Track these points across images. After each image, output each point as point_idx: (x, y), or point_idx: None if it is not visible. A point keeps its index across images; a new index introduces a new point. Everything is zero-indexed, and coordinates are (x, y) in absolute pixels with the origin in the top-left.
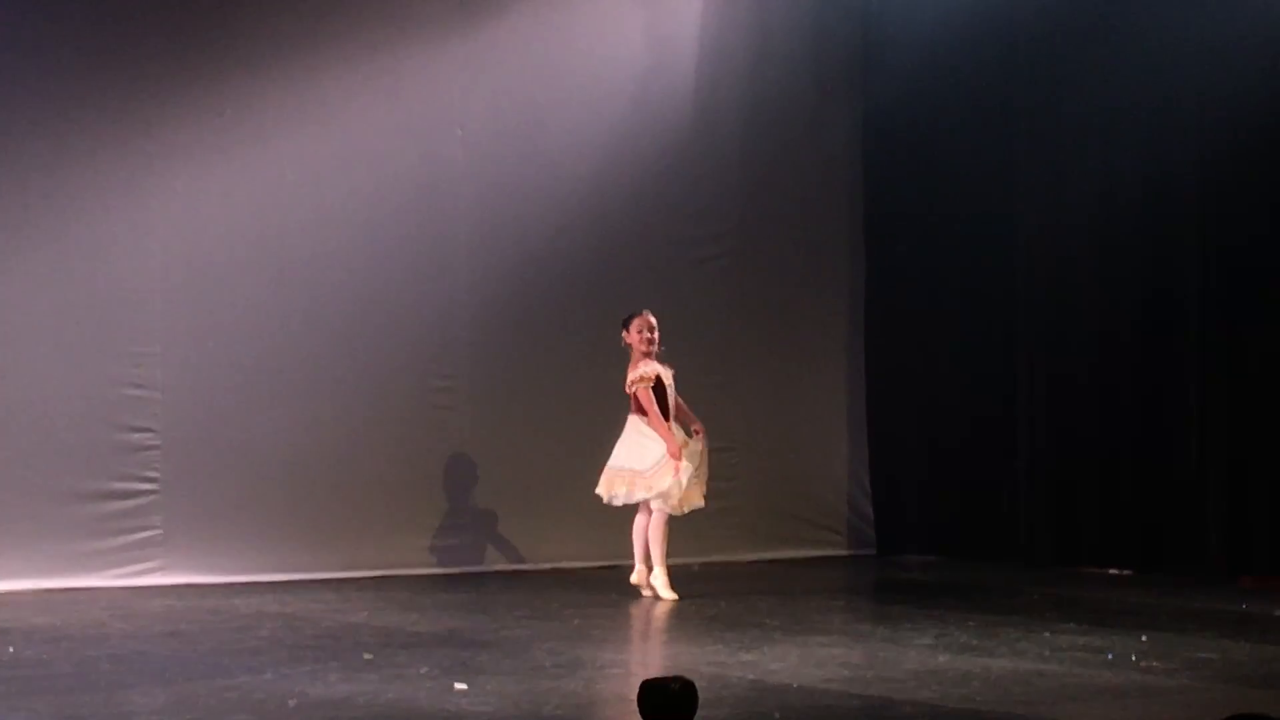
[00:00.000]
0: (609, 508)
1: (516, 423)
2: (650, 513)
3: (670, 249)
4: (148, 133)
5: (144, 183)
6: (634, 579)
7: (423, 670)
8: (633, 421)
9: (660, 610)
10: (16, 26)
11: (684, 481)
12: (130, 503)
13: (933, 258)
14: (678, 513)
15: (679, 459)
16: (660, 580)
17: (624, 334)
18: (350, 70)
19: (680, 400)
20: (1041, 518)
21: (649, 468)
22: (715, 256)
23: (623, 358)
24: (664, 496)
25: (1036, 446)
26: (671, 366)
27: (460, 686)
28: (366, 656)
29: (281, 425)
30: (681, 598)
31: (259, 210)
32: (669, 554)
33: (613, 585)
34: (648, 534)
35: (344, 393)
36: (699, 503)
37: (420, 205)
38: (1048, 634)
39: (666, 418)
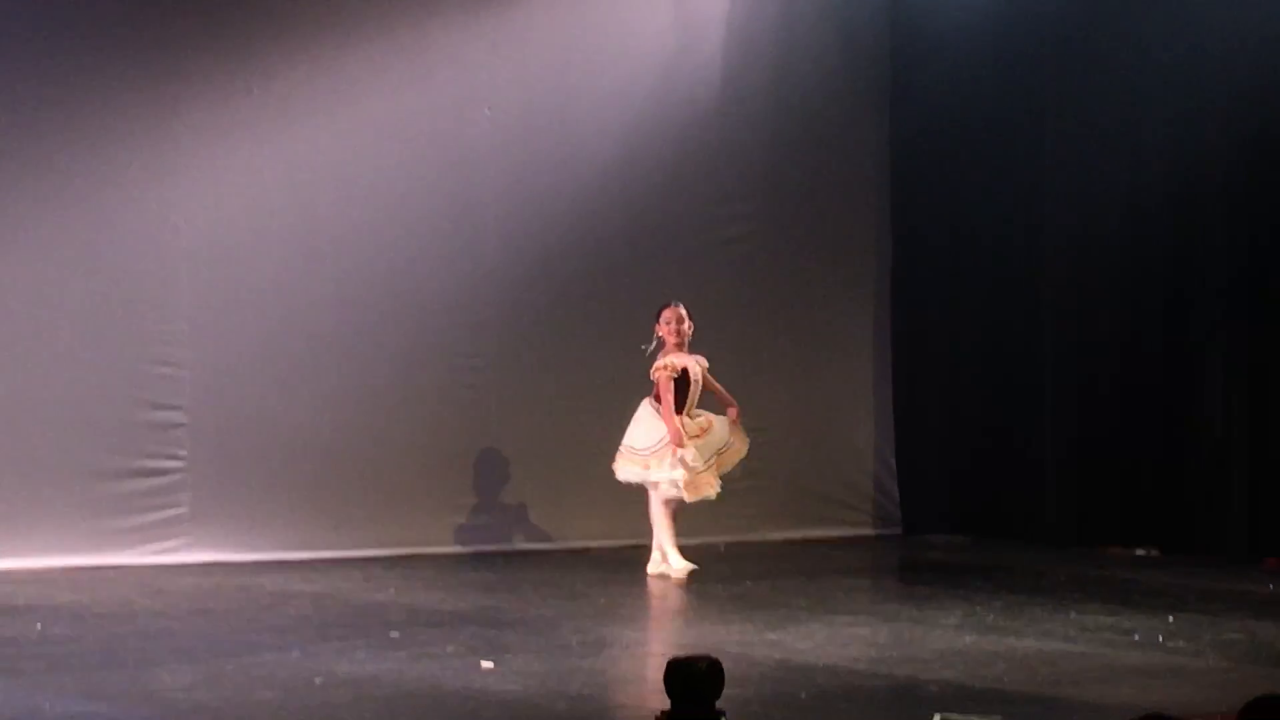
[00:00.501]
0: (633, 486)
1: (544, 402)
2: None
3: (697, 230)
4: (175, 111)
5: (171, 161)
6: (650, 568)
7: (449, 649)
8: (649, 403)
9: (686, 588)
10: (42, 6)
11: (689, 468)
12: (157, 480)
13: (959, 238)
14: (689, 499)
15: (680, 446)
16: (672, 557)
17: (656, 326)
18: (378, 49)
19: (717, 386)
20: (1068, 498)
21: (649, 447)
22: (742, 238)
23: (648, 336)
24: (660, 483)
25: (1062, 427)
26: (702, 357)
27: (487, 665)
28: (393, 635)
29: (309, 403)
30: (707, 578)
31: (287, 189)
32: (677, 533)
33: (639, 564)
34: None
35: (371, 371)
36: (709, 494)
37: (448, 184)
38: (1074, 614)
39: (680, 410)
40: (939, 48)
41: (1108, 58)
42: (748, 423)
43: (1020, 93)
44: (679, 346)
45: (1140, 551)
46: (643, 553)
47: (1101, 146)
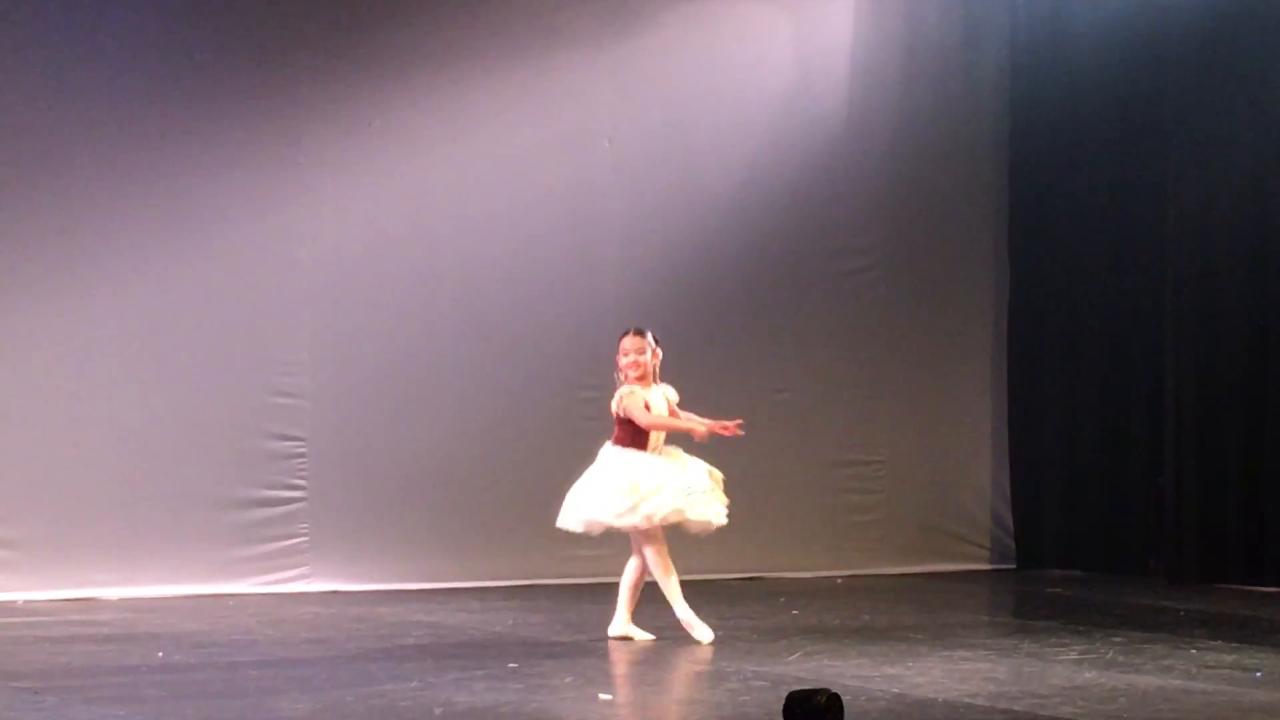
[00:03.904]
0: (752, 517)
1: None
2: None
3: (817, 261)
4: (297, 143)
5: (293, 193)
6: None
7: (567, 680)
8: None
9: (803, 623)
10: (165, 39)
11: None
12: (278, 510)
13: (1077, 269)
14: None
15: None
16: (686, 614)
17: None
18: (499, 81)
19: (686, 417)
20: (1188, 533)
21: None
22: (862, 270)
23: (766, 371)
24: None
25: (1183, 460)
26: (670, 388)
27: (605, 697)
28: (511, 666)
29: (428, 434)
30: (824, 610)
31: (407, 220)
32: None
33: (756, 597)
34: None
35: (490, 401)
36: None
37: (568, 215)
38: (1194, 651)
39: (644, 446)
40: (1059, 80)
41: (1231, 81)
42: (866, 454)
43: (1141, 126)
44: (641, 379)
45: (1262, 588)
46: (759, 585)
47: (1226, 175)
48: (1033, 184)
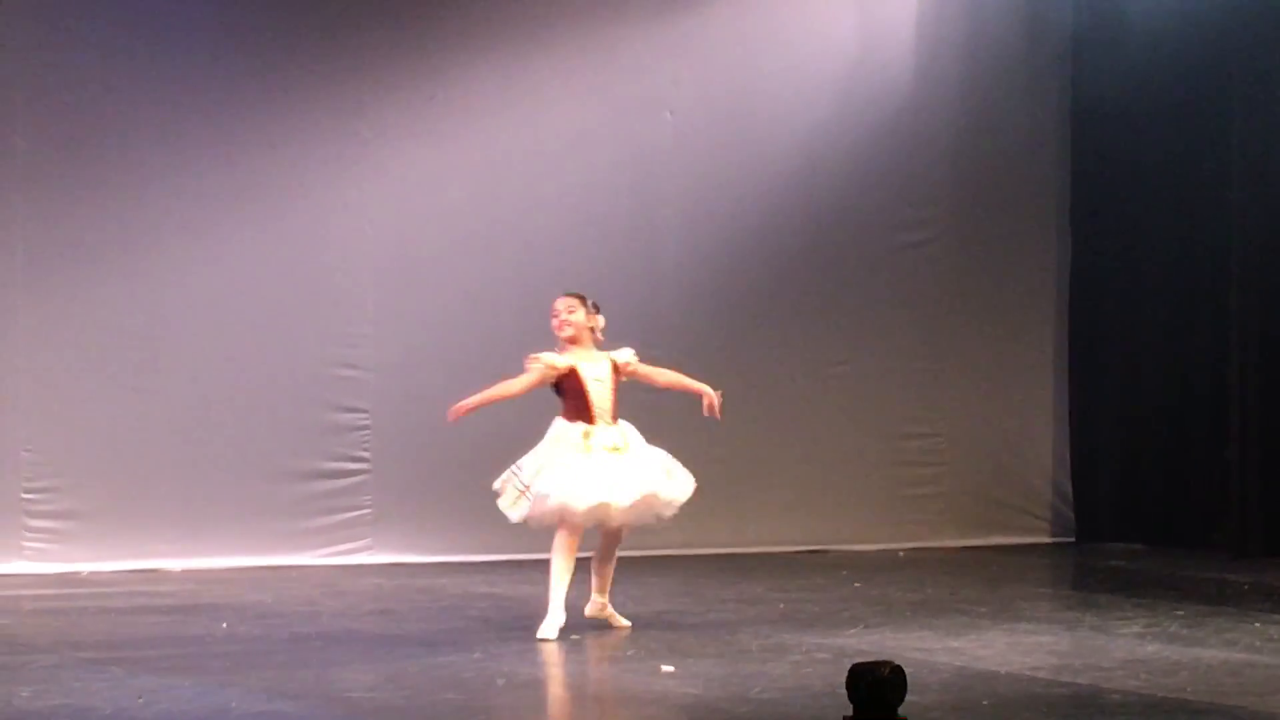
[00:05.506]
0: (812, 491)
1: (723, 405)
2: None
3: (879, 234)
4: (361, 115)
5: (356, 166)
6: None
7: (629, 652)
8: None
9: (865, 596)
10: (231, 11)
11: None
12: (341, 482)
13: (1140, 239)
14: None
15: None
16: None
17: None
18: (561, 55)
19: (669, 378)
20: (1253, 506)
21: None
22: (923, 242)
23: (825, 342)
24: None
25: (1247, 432)
26: (627, 350)
27: (667, 669)
28: (574, 637)
29: (491, 405)
30: (888, 584)
31: (470, 192)
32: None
33: (818, 570)
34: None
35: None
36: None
37: (629, 188)
38: (1258, 624)
39: (588, 419)
40: (1122, 43)
41: None
42: (927, 428)
43: (1205, 90)
44: (573, 341)
45: None
46: (822, 557)
47: None
48: (1095, 154)
